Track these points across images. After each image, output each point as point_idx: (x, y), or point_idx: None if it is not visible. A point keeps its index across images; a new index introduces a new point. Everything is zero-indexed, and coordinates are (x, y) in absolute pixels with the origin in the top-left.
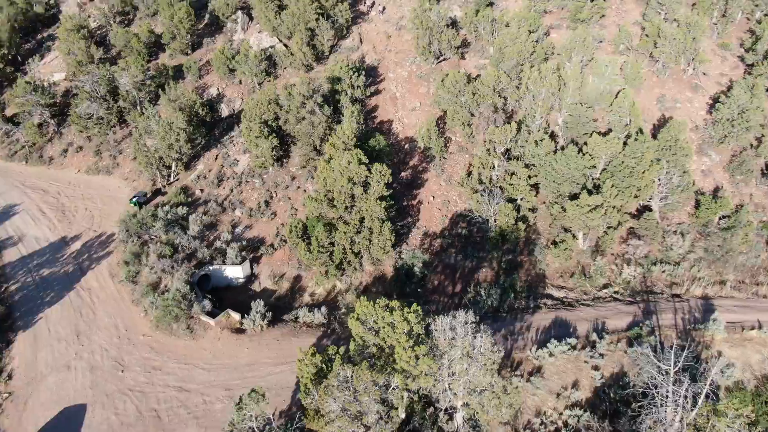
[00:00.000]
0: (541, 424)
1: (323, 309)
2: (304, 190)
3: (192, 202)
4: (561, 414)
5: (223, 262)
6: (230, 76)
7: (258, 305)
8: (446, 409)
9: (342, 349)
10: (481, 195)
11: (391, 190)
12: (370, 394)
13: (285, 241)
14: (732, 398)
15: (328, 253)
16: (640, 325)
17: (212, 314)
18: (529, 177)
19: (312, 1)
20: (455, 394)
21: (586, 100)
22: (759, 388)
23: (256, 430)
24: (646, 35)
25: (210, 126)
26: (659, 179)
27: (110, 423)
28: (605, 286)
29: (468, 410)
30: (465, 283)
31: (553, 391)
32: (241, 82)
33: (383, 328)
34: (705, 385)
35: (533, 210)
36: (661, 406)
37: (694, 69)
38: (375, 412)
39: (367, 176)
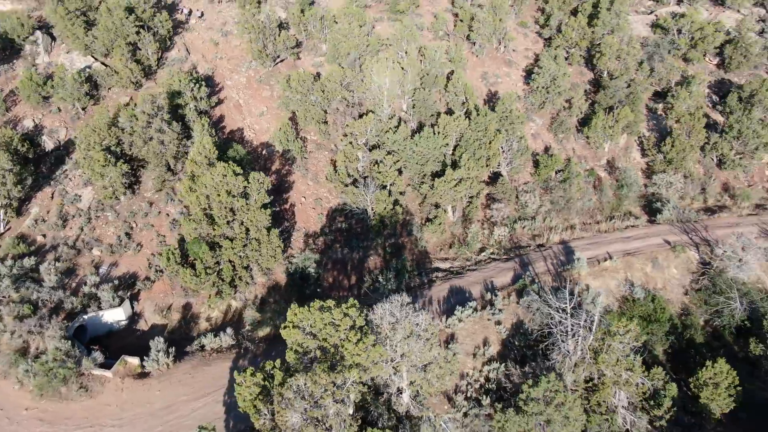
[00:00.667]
0: (467, 385)
1: (228, 330)
2: (167, 214)
3: (36, 250)
4: (481, 371)
5: (99, 308)
6: (45, 105)
7: (158, 342)
8: (394, 392)
9: (278, 362)
10: (356, 186)
11: (271, 197)
12: (332, 395)
13: (161, 271)
14: (620, 319)
15: (216, 273)
16: (522, 277)
17: (106, 365)
18: (395, 162)
19: (128, 14)
20: (401, 375)
21: (424, 85)
22: (621, 308)
23: None
24: (461, 20)
25: (35, 163)
26: (503, 147)
27: None
28: (482, 250)
29: (413, 388)
30: (359, 274)
31: (470, 352)
32: (60, 110)
33: (323, 329)
34: (596, 313)
35: (402, 193)
36: (563, 341)
37: (505, 47)
38: (335, 413)
39: (245, 186)
